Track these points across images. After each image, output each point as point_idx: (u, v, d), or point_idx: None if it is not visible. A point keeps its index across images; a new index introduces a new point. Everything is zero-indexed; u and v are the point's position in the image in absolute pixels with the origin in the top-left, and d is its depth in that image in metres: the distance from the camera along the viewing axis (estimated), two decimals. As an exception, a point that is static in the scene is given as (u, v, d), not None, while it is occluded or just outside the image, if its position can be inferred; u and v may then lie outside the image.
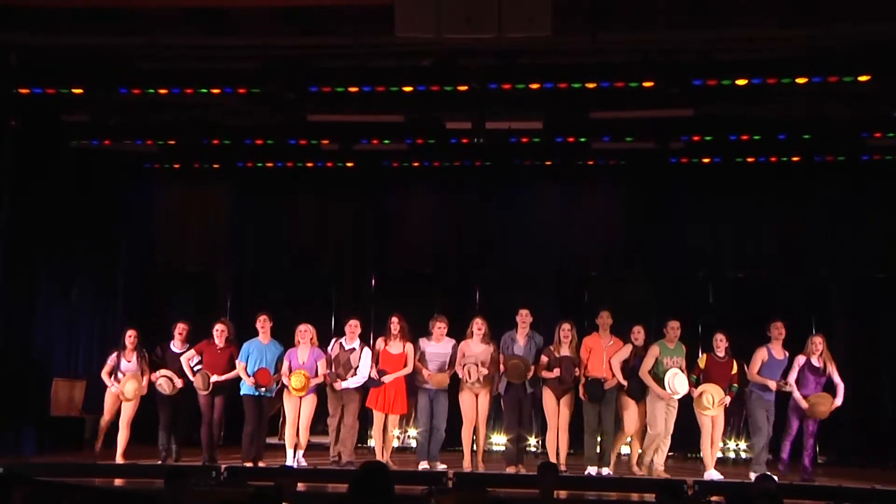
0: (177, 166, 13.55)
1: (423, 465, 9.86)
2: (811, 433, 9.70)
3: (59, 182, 11.77)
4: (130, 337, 10.38)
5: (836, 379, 9.71)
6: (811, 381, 9.67)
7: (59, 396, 11.85)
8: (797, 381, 9.71)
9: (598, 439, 9.94)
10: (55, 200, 11.70)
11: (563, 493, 8.86)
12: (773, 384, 9.68)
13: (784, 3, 9.41)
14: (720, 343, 9.83)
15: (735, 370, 9.80)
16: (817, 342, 9.74)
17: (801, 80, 9.98)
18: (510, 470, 9.87)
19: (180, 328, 10.42)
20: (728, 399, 9.75)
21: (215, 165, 13.56)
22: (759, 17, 9.56)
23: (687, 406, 9.88)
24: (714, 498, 8.70)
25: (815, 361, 9.70)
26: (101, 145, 12.38)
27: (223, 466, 9.63)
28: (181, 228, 13.80)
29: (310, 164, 13.32)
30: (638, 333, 9.95)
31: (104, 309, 12.99)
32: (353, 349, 10.06)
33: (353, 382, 10.04)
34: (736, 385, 9.79)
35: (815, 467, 9.79)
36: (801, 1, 9.34)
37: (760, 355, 9.78)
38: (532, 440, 10.21)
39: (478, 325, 10.00)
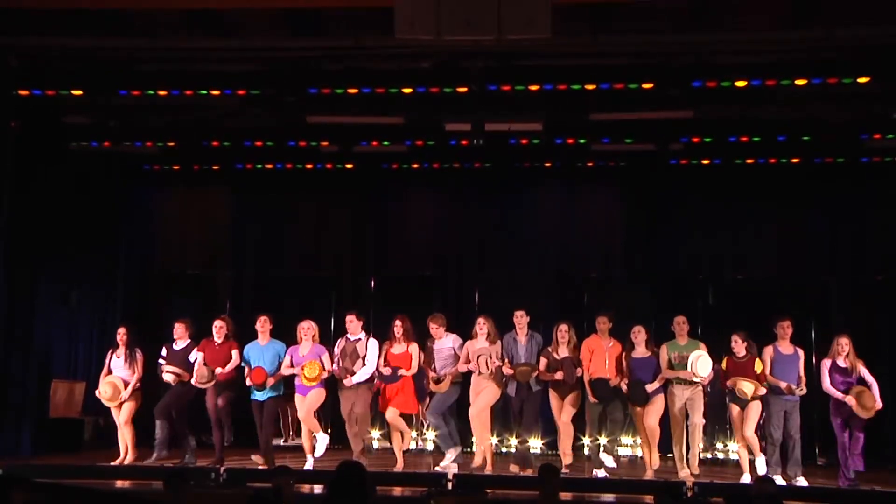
0: (176, 168, 13.55)
1: (453, 456, 9.86)
2: (855, 439, 9.51)
3: (59, 183, 11.77)
4: (121, 334, 10.39)
5: (868, 378, 9.52)
6: (839, 384, 9.51)
7: (58, 398, 11.85)
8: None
9: (598, 440, 9.94)
10: (55, 202, 11.70)
11: (562, 496, 8.85)
12: (784, 385, 9.51)
13: (783, 5, 9.43)
14: (736, 344, 9.63)
15: (759, 369, 9.55)
16: (843, 343, 9.57)
17: (800, 82, 10.00)
18: (528, 472, 9.84)
19: (177, 327, 10.41)
20: (763, 391, 9.51)
21: (215, 167, 13.56)
22: (758, 19, 9.58)
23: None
24: (714, 500, 8.70)
25: (841, 362, 9.56)
26: (101, 147, 12.38)
27: (223, 468, 9.61)
28: (181, 230, 13.80)
29: (309, 166, 13.34)
30: (638, 334, 9.89)
31: (104, 310, 12.99)
32: (360, 339, 9.99)
33: (362, 375, 9.88)
34: (766, 382, 9.56)
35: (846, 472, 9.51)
36: (801, 3, 9.36)
37: (768, 353, 9.67)
38: (534, 441, 10.18)
39: (479, 325, 9.99)
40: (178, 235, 13.82)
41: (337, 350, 10.05)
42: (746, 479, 9.53)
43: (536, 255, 13.28)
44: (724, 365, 9.73)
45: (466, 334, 10.20)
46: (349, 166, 13.24)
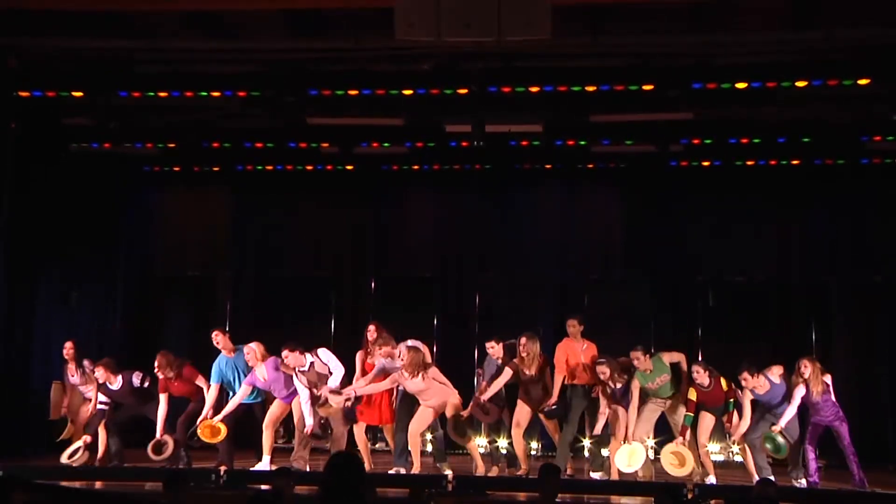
0: (177, 169, 13.55)
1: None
2: (847, 444, 9.37)
3: (59, 185, 11.78)
4: (67, 349, 10.34)
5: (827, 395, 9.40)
6: (819, 404, 9.31)
7: (57, 400, 11.82)
8: (811, 408, 9.43)
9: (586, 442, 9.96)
10: (55, 203, 11.71)
11: (562, 497, 8.84)
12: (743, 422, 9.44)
13: (784, 6, 9.43)
14: (699, 375, 9.41)
15: (725, 387, 9.46)
16: (804, 365, 9.35)
17: (800, 84, 9.99)
18: (493, 472, 9.85)
19: (98, 370, 10.12)
20: (730, 427, 9.48)
21: (215, 168, 13.56)
22: (758, 21, 9.58)
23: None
24: (713, 501, 8.70)
25: (812, 388, 9.32)
26: (101, 148, 12.37)
27: (222, 470, 9.59)
28: (181, 231, 13.80)
29: (309, 168, 13.33)
30: (603, 375, 9.57)
31: (104, 311, 12.99)
32: (312, 363, 9.67)
33: (337, 372, 9.67)
34: (732, 401, 9.46)
35: (862, 473, 9.38)
36: (801, 4, 9.35)
37: (747, 399, 9.43)
38: (502, 441, 10.13)
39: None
40: (178, 236, 13.81)
41: (305, 383, 9.66)
42: (711, 479, 9.48)
43: (536, 257, 13.27)
44: (694, 396, 9.43)
45: (466, 335, 10.17)
46: (349, 167, 13.23)
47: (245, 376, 9.96)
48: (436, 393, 9.50)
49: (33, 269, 11.51)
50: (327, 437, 9.77)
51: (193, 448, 10.14)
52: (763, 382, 9.42)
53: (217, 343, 10.09)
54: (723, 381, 9.50)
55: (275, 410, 9.91)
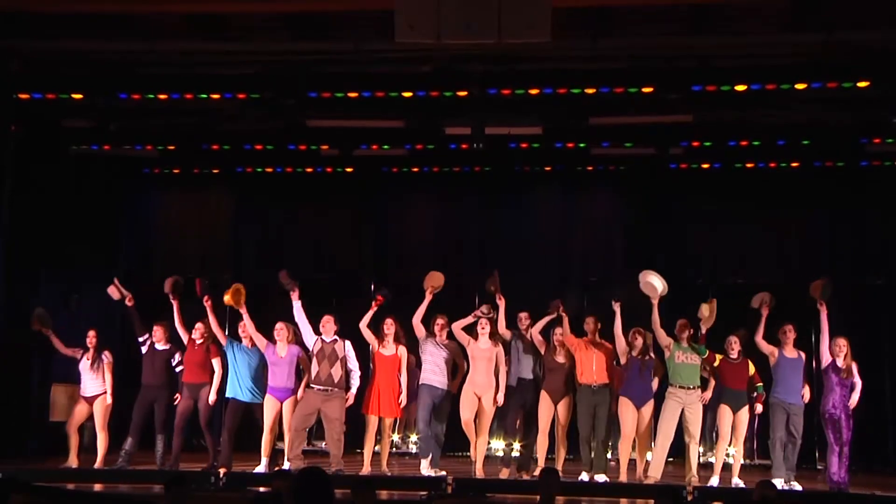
0: (176, 171, 13.57)
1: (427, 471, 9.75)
2: (846, 441, 9.44)
3: (59, 187, 11.78)
4: (90, 338, 10.40)
5: (856, 378, 9.51)
6: (834, 382, 9.44)
7: (58, 402, 11.83)
8: (828, 385, 9.52)
9: (591, 444, 9.92)
10: (55, 205, 11.71)
11: (562, 499, 8.83)
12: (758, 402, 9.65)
13: (784, 9, 9.44)
14: (733, 346, 9.68)
15: (752, 371, 9.64)
16: (840, 343, 9.53)
17: (800, 86, 10.02)
18: (524, 475, 9.82)
19: (156, 330, 10.49)
20: (759, 407, 9.66)
21: (215, 170, 13.58)
22: (758, 23, 9.59)
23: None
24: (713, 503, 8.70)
25: (839, 363, 9.48)
26: (101, 150, 12.39)
27: (222, 472, 9.58)
28: (181, 233, 13.80)
29: (309, 170, 13.35)
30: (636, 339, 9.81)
31: (104, 313, 12.96)
32: (335, 339, 9.87)
33: (354, 382, 9.84)
34: (760, 385, 9.64)
35: (849, 476, 9.45)
36: (801, 7, 9.37)
37: (772, 353, 9.63)
38: (516, 444, 10.09)
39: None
40: (177, 238, 13.81)
41: (314, 351, 9.84)
42: (715, 481, 9.53)
43: (536, 259, 13.27)
44: (717, 363, 9.67)
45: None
46: (349, 170, 13.24)
47: (251, 376, 10.00)
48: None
49: (33, 270, 11.50)
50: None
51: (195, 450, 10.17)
52: (793, 349, 9.65)
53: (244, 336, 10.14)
54: (751, 366, 9.62)
55: (269, 412, 9.85)
